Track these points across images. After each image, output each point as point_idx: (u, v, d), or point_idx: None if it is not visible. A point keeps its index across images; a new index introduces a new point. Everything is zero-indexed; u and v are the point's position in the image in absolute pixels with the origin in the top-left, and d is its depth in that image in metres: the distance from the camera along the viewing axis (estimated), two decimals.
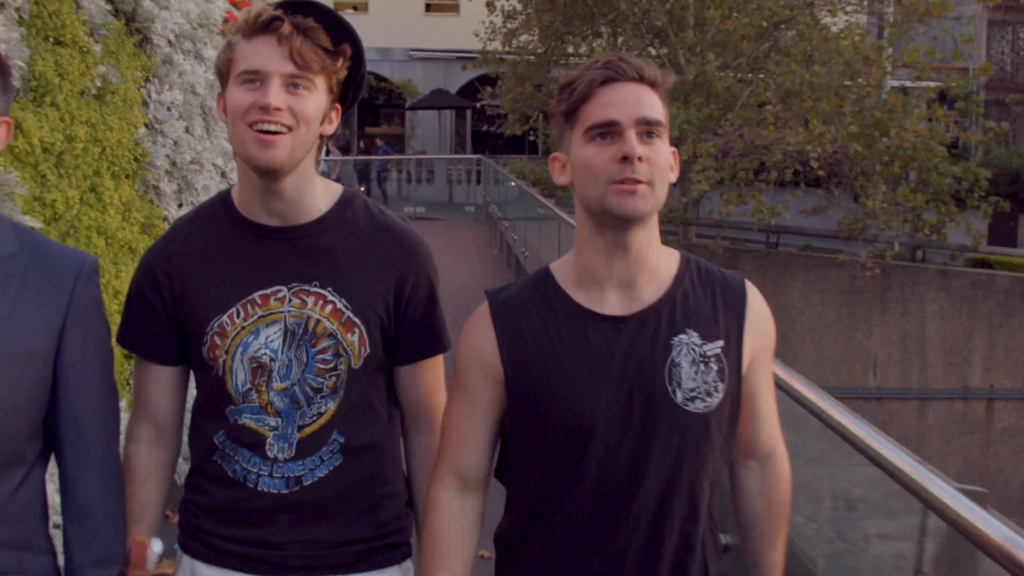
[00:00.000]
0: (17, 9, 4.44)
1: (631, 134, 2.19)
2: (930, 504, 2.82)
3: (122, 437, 2.48)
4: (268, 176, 2.36)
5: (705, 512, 2.32)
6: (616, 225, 2.24)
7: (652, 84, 2.25)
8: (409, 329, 2.53)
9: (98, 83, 5.28)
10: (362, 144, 40.97)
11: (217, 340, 2.45)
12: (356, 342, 2.44)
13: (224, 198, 2.55)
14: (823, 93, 20.74)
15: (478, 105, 38.60)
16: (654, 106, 2.23)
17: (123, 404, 4.79)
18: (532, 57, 27.08)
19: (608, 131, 2.21)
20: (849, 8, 23.12)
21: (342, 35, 2.42)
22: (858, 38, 21.59)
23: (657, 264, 2.34)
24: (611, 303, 2.30)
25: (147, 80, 6.29)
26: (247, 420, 2.46)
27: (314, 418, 2.45)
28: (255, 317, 2.44)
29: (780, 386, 3.70)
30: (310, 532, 2.49)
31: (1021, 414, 21.54)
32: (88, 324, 2.31)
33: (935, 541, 3.15)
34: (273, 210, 2.44)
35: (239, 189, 2.51)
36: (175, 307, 2.49)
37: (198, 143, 6.79)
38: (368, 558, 2.54)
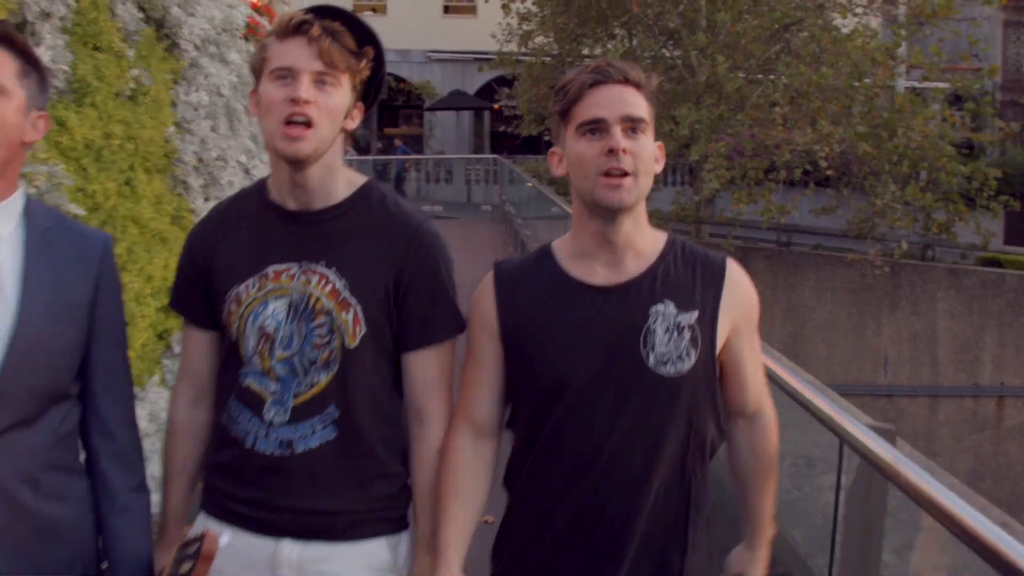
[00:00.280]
0: (61, 19, 4.87)
1: (616, 130, 2.44)
2: (844, 439, 3.18)
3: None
4: (295, 166, 2.55)
5: (674, 469, 2.53)
6: (604, 214, 2.49)
7: (637, 85, 2.51)
8: (408, 315, 2.64)
9: (132, 85, 5.69)
10: (380, 145, 41.04)
11: (233, 307, 2.64)
12: (350, 321, 2.57)
13: (262, 184, 2.75)
14: (832, 94, 20.78)
15: (496, 106, 38.42)
16: (638, 105, 2.49)
17: (155, 380, 5.23)
18: (548, 59, 27.05)
19: (596, 127, 2.46)
20: (859, 10, 23.13)
21: (366, 38, 2.62)
22: (866, 40, 21.57)
23: (644, 244, 2.57)
24: (599, 275, 2.54)
25: (176, 82, 6.69)
26: (251, 382, 2.64)
27: (308, 388, 2.60)
28: (266, 290, 2.62)
29: None
30: (299, 499, 2.62)
31: None
32: (112, 286, 2.67)
33: (854, 475, 3.50)
34: (298, 196, 2.62)
35: (272, 178, 2.70)
36: (206, 274, 2.71)
37: (223, 141, 7.14)
38: (356, 529, 2.66)
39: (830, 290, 22.74)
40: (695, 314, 2.51)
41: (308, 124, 2.50)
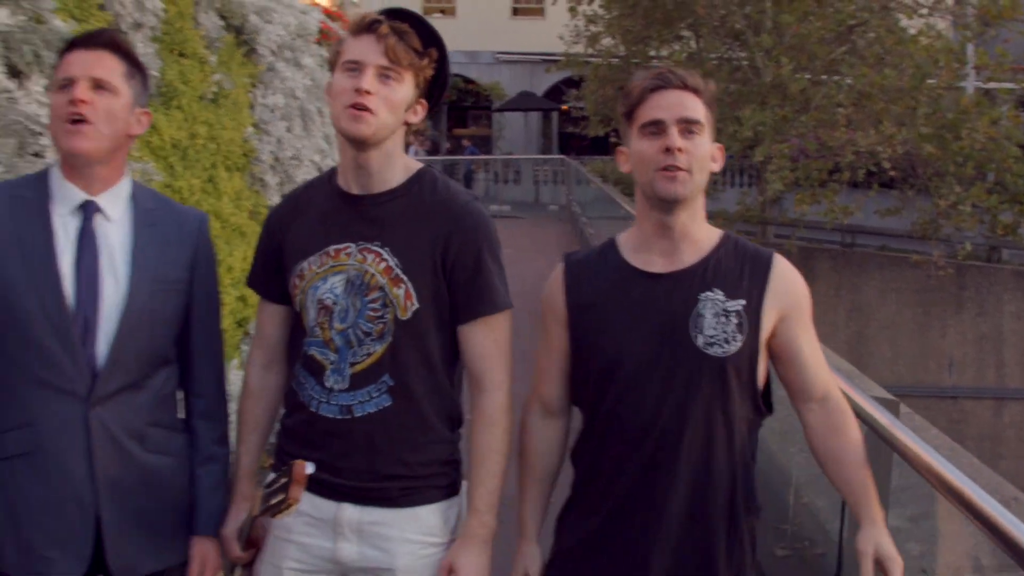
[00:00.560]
0: (151, 28, 5.27)
1: (673, 130, 2.66)
2: (854, 410, 3.45)
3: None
4: (357, 146, 2.78)
5: (723, 447, 2.72)
6: (663, 206, 2.72)
7: (695, 90, 2.72)
8: (458, 289, 2.82)
9: (214, 89, 6.10)
10: (449, 145, 41.26)
11: (297, 281, 2.87)
12: (402, 296, 2.77)
13: (332, 171, 2.98)
14: (896, 95, 20.73)
15: (563, 107, 38.43)
16: (695, 108, 2.70)
17: (234, 363, 5.60)
18: (615, 60, 27.16)
19: (656, 128, 2.68)
20: (923, 11, 23.03)
21: (431, 40, 2.84)
22: (930, 41, 21.53)
23: (699, 237, 2.79)
24: (656, 264, 2.77)
25: (254, 86, 7.09)
26: (314, 351, 2.85)
27: (364, 357, 2.80)
28: (327, 266, 2.83)
29: None
30: (359, 461, 2.82)
31: None
32: (208, 262, 3.04)
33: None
34: (359, 180, 2.85)
35: (339, 162, 2.93)
36: (279, 252, 2.95)
37: (297, 141, 7.52)
38: (409, 496, 2.85)
39: (894, 291, 22.74)
40: (742, 302, 2.71)
41: (369, 111, 2.73)
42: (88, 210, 2.81)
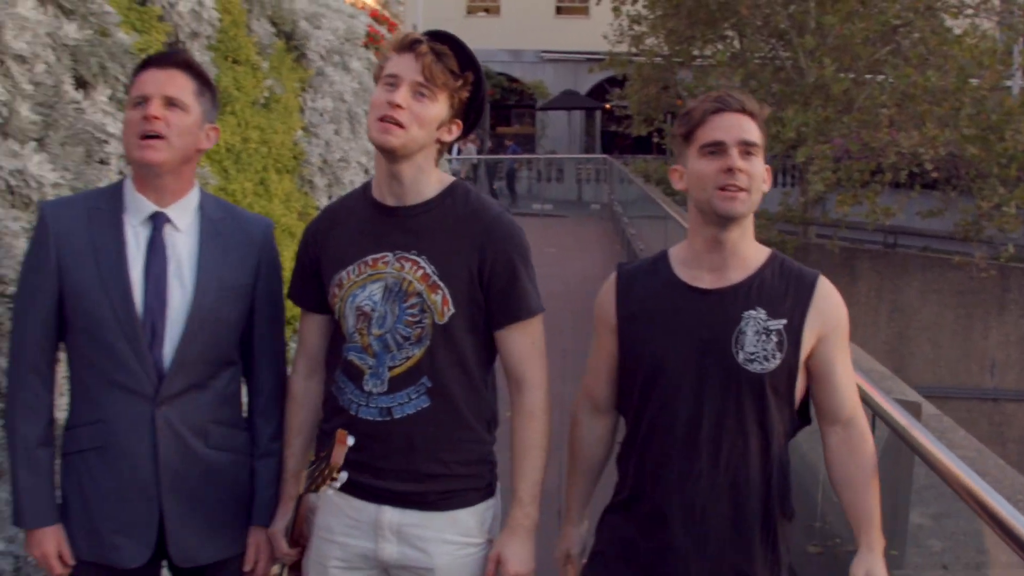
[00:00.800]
0: (207, 37, 5.46)
1: (734, 152, 2.75)
2: (875, 411, 3.59)
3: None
4: (389, 157, 2.89)
5: (757, 459, 2.82)
6: (718, 222, 2.80)
7: (752, 114, 2.81)
8: (494, 297, 2.93)
9: (266, 94, 6.28)
10: (491, 144, 41.18)
11: (336, 290, 2.97)
12: (439, 301, 2.88)
13: (367, 185, 3.08)
14: (940, 96, 20.67)
15: (607, 106, 38.36)
16: (752, 131, 2.78)
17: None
18: (658, 59, 27.14)
19: (716, 149, 2.77)
20: (969, 11, 22.87)
21: (469, 64, 2.94)
22: (975, 41, 21.41)
23: (748, 255, 2.88)
24: (704, 280, 2.86)
25: (303, 90, 7.26)
26: (352, 357, 2.95)
27: (403, 361, 2.90)
28: (365, 275, 2.94)
29: None
30: (398, 462, 2.92)
31: None
32: (272, 268, 3.18)
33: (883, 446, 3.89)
34: (393, 192, 2.95)
35: (374, 176, 3.04)
36: (317, 263, 3.05)
37: (345, 143, 7.68)
38: (446, 500, 2.96)
39: (936, 292, 22.62)
40: (783, 322, 2.80)
41: (398, 124, 2.83)
42: (158, 221, 2.98)
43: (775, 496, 2.87)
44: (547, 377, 3.03)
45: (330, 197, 7.18)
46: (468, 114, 3.01)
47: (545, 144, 41.18)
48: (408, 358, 2.91)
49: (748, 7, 23.23)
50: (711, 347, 2.81)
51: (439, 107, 2.89)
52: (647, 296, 2.94)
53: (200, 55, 5.26)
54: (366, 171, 7.82)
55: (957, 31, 22.29)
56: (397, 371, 2.91)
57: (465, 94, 2.96)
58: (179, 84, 2.95)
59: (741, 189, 2.76)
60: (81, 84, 4.11)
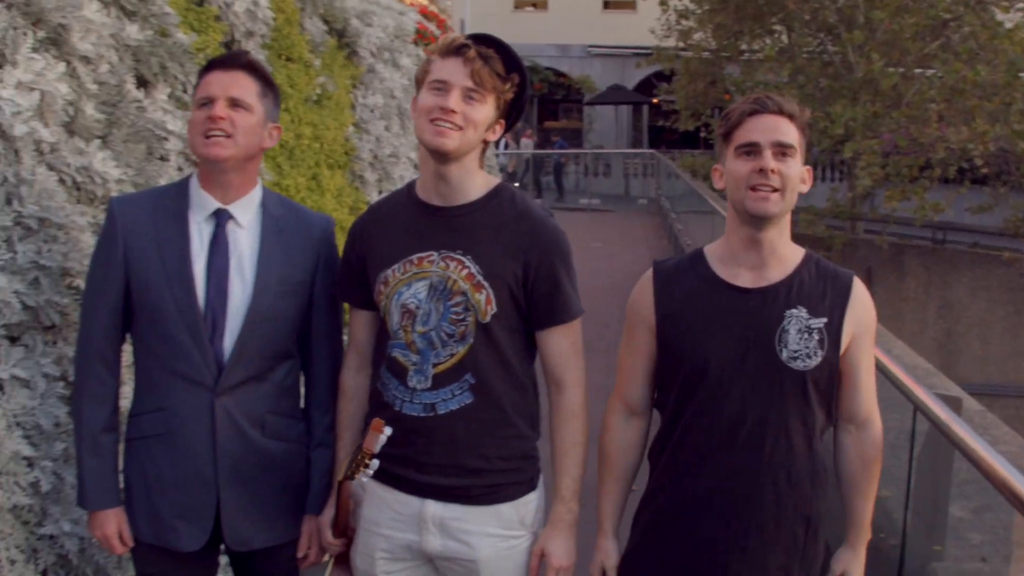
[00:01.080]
0: (262, 36, 5.58)
1: (767, 153, 2.80)
2: (916, 405, 3.65)
3: None
4: (439, 159, 2.93)
5: (802, 454, 2.87)
6: (752, 222, 2.85)
7: (790, 116, 2.84)
8: (538, 299, 2.98)
9: (318, 91, 6.40)
10: (537, 139, 40.98)
11: (382, 288, 3.01)
12: (483, 301, 2.92)
13: (411, 184, 3.12)
14: (990, 91, 20.52)
15: (654, 100, 38.18)
16: (789, 133, 2.83)
17: None
18: (706, 53, 27.02)
19: (751, 150, 2.82)
20: (1020, 5, 22.50)
21: (514, 66, 2.98)
22: None
23: (785, 254, 2.93)
24: (744, 278, 2.91)
25: (355, 86, 7.39)
26: (396, 353, 3.01)
27: (447, 358, 2.95)
28: (410, 273, 2.98)
29: None
30: (441, 456, 2.97)
31: None
32: (331, 265, 3.25)
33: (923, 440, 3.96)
34: (440, 192, 3.00)
35: (420, 176, 3.10)
36: (363, 261, 3.09)
37: (395, 139, 7.83)
38: (489, 494, 3.01)
39: (985, 289, 22.43)
40: (823, 320, 2.86)
41: (454, 127, 2.88)
42: (221, 217, 3.08)
43: (817, 491, 2.92)
44: (585, 377, 3.08)
45: (380, 192, 7.30)
46: (510, 112, 3.06)
47: (592, 139, 41.15)
48: (452, 355, 2.96)
49: (796, 1, 23.13)
50: (755, 345, 2.86)
51: (487, 109, 2.94)
52: (687, 294, 2.97)
53: (255, 53, 5.35)
54: (415, 166, 7.89)
55: (1008, 25, 22.03)
56: (441, 368, 2.97)
57: (510, 95, 3.01)
58: (243, 85, 3.04)
59: (774, 190, 2.80)
60: (142, 83, 4.22)
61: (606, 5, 42.42)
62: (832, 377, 2.90)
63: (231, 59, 3.11)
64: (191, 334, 3.01)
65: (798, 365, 2.83)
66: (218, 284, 3.05)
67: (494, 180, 3.10)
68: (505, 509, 3.04)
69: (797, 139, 2.85)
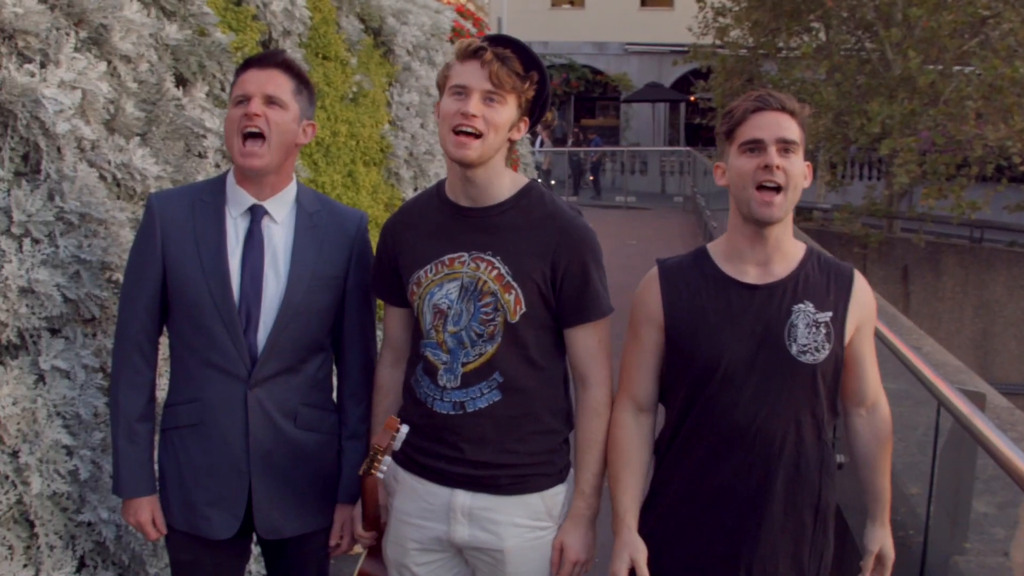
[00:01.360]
0: (299, 35, 5.66)
1: (772, 149, 2.82)
2: (940, 400, 3.67)
3: None
4: (463, 167, 2.95)
5: (811, 445, 2.92)
6: (757, 221, 2.88)
7: (792, 113, 2.87)
8: (566, 298, 3.01)
9: (354, 89, 6.47)
10: (573, 138, 41.02)
11: (415, 288, 3.06)
12: (512, 301, 2.96)
13: (440, 185, 3.14)
14: None
15: (691, 98, 38.04)
16: (791, 129, 2.85)
17: None
18: (743, 51, 26.91)
19: (755, 146, 2.84)
20: None
21: (532, 64, 2.99)
22: None
23: (788, 250, 2.96)
24: (750, 275, 2.94)
25: (390, 84, 7.46)
26: (428, 352, 3.05)
27: (476, 357, 2.99)
28: (442, 274, 3.02)
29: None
30: (471, 452, 3.02)
31: None
32: (364, 260, 3.31)
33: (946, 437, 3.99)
34: (468, 194, 3.02)
35: (448, 178, 3.10)
36: (396, 262, 3.13)
37: (431, 136, 7.87)
38: (517, 485, 3.05)
39: (1022, 287, 22.22)
40: (829, 314, 2.91)
41: (476, 135, 2.89)
42: (256, 213, 3.15)
43: (825, 480, 2.96)
44: (611, 376, 3.11)
45: (415, 189, 7.37)
46: (532, 110, 3.07)
47: (629, 136, 41.01)
48: (481, 355, 3.00)
49: None
50: (765, 341, 2.89)
51: (509, 110, 2.95)
52: (695, 292, 3.00)
53: (292, 52, 5.44)
54: None
55: None
56: (470, 367, 3.01)
57: (531, 93, 3.02)
58: (278, 83, 3.10)
59: (779, 188, 2.83)
60: (181, 82, 4.30)
61: (643, 2, 42.08)
62: (838, 369, 2.95)
63: (267, 58, 3.17)
64: (226, 327, 3.08)
65: (807, 359, 2.87)
66: (253, 278, 3.11)
67: (522, 179, 3.13)
68: (533, 500, 3.07)
69: (799, 135, 2.88)
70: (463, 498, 3.06)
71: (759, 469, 2.90)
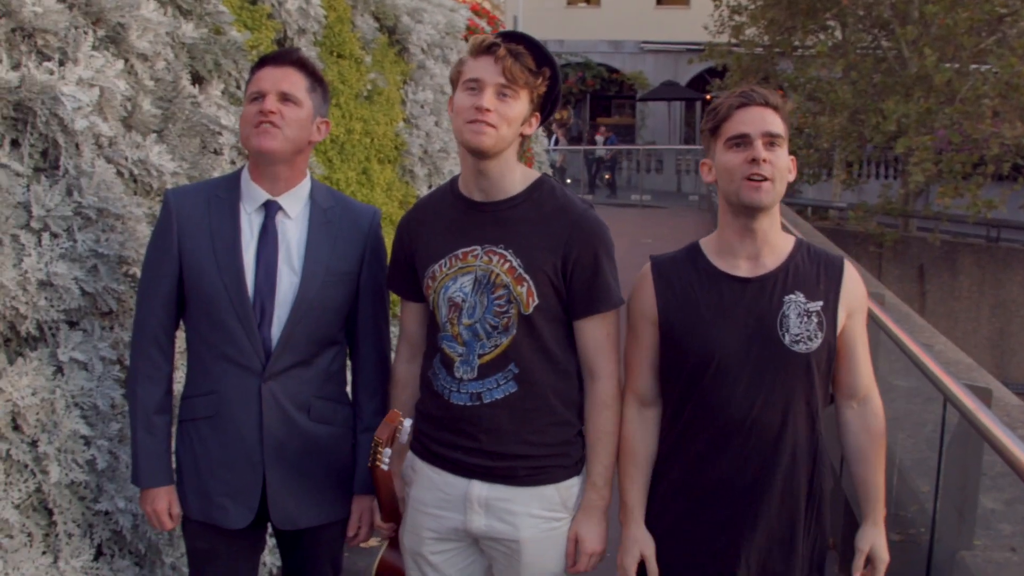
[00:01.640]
0: (314, 34, 5.70)
1: (758, 143, 2.86)
2: (945, 395, 3.70)
3: None
4: (478, 156, 2.99)
5: (804, 433, 2.95)
6: (747, 212, 2.91)
7: (775, 108, 2.91)
8: (576, 289, 3.04)
9: (369, 87, 6.51)
10: (588, 136, 41.01)
11: (430, 282, 3.09)
12: (524, 293, 2.99)
13: (453, 180, 3.19)
14: None
15: (707, 96, 37.96)
16: (775, 123, 2.89)
17: None
18: (759, 49, 26.89)
19: (741, 141, 2.88)
20: None
21: (544, 60, 3.03)
22: None
23: (777, 242, 2.99)
24: (741, 268, 2.98)
25: (405, 82, 7.50)
26: (445, 345, 3.08)
27: (491, 349, 3.03)
28: (456, 267, 3.05)
29: None
30: (487, 443, 3.05)
31: None
32: (377, 256, 3.36)
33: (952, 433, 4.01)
34: (481, 188, 3.07)
35: (461, 173, 3.15)
36: (411, 256, 3.18)
37: (445, 134, 7.91)
38: (533, 476, 3.08)
39: None
40: (820, 303, 2.94)
41: (490, 125, 2.93)
42: (271, 209, 3.19)
43: (818, 472, 3.00)
44: (618, 368, 3.13)
45: (430, 186, 7.38)
46: (544, 105, 3.11)
47: (645, 135, 40.92)
48: (496, 346, 3.03)
49: None
50: (758, 332, 2.93)
51: (521, 105, 3.00)
52: (687, 287, 3.03)
53: (307, 50, 5.49)
54: None
55: None
56: (486, 358, 3.04)
57: (543, 89, 3.06)
58: (292, 80, 3.14)
59: (766, 179, 2.85)
60: (197, 79, 4.35)
61: (659, 1, 42.09)
62: (831, 358, 2.98)
63: (282, 56, 3.21)
64: (240, 321, 3.13)
65: (801, 348, 2.91)
66: (267, 273, 3.16)
67: (534, 174, 3.16)
68: (549, 491, 3.10)
69: (783, 129, 2.92)
70: (480, 488, 3.09)
71: (756, 461, 2.94)
